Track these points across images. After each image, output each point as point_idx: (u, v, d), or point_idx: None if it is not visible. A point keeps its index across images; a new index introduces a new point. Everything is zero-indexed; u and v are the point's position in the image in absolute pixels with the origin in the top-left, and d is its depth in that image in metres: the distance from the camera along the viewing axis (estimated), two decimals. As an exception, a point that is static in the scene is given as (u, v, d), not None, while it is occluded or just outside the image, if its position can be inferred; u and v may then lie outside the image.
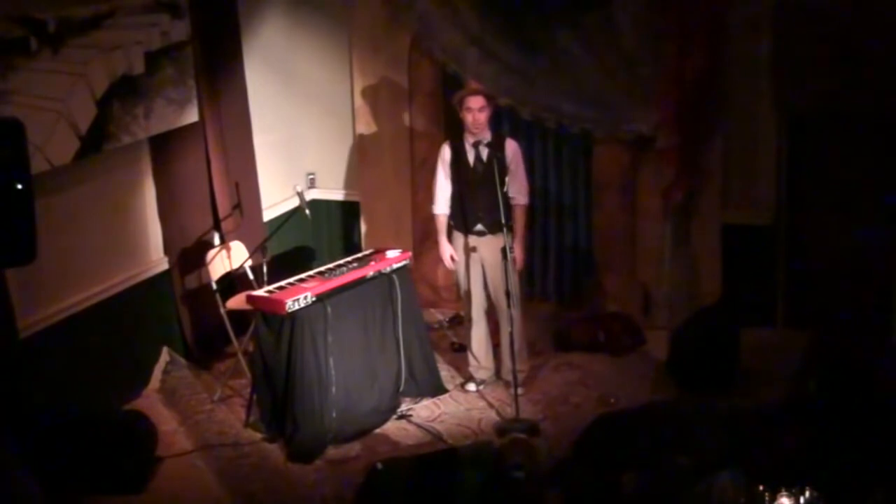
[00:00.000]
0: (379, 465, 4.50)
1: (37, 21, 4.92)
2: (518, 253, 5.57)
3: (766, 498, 3.77)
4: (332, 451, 5.21)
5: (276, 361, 5.19)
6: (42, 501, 4.29)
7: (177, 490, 4.96)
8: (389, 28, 6.76)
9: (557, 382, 5.91)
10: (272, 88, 6.97)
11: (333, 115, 7.20)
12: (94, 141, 5.32)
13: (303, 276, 5.42)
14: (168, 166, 6.04)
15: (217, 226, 6.37)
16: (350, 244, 7.36)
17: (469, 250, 5.63)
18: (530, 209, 5.78)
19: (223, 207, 6.37)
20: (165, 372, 6.12)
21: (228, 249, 6.13)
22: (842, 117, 5.88)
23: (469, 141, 5.56)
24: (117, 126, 5.46)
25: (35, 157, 4.58)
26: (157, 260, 6.08)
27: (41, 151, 4.93)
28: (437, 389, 5.81)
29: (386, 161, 7.04)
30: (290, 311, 5.07)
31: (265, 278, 5.68)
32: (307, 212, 5.85)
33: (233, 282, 6.19)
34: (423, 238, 6.94)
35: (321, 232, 7.48)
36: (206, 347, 6.30)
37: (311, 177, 7.45)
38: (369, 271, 5.50)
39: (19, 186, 3.40)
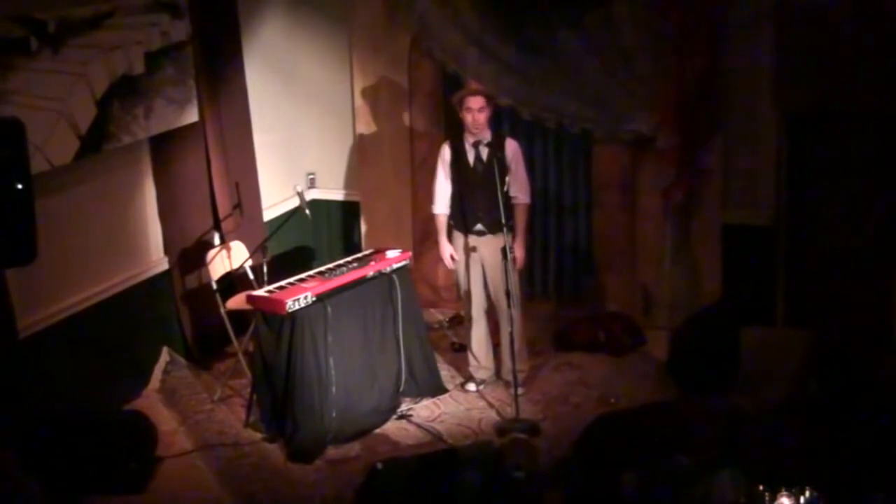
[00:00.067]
0: (379, 465, 4.51)
1: (37, 21, 4.92)
2: (519, 252, 5.57)
3: (766, 498, 3.77)
4: (332, 451, 5.21)
5: (276, 361, 5.19)
6: (42, 501, 4.29)
7: (177, 490, 4.96)
8: (389, 28, 6.76)
9: (557, 382, 5.91)
10: (272, 88, 6.97)
11: (333, 115, 7.20)
12: (94, 141, 5.33)
13: (303, 276, 5.42)
14: (168, 166, 6.04)
15: (217, 226, 6.37)
16: (350, 244, 7.36)
17: (469, 250, 5.63)
18: (531, 209, 5.78)
19: (223, 207, 6.37)
20: (165, 372, 6.12)
21: (228, 249, 6.13)
22: (842, 117, 5.88)
23: (469, 141, 5.56)
24: (117, 126, 5.46)
25: (35, 157, 4.57)
26: (157, 260, 6.08)
27: (41, 151, 4.93)
28: (437, 389, 5.81)
29: (386, 161, 7.04)
30: (290, 311, 5.07)
31: (265, 278, 5.68)
32: (307, 212, 5.85)
33: (233, 282, 6.19)
34: (423, 238, 6.94)
35: (321, 232, 7.49)
36: (206, 347, 6.30)
37: (312, 177, 7.45)
38: (369, 271, 5.50)
39: (19, 186, 3.41)
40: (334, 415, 5.22)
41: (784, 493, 3.74)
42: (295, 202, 5.94)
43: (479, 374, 5.85)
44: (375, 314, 5.50)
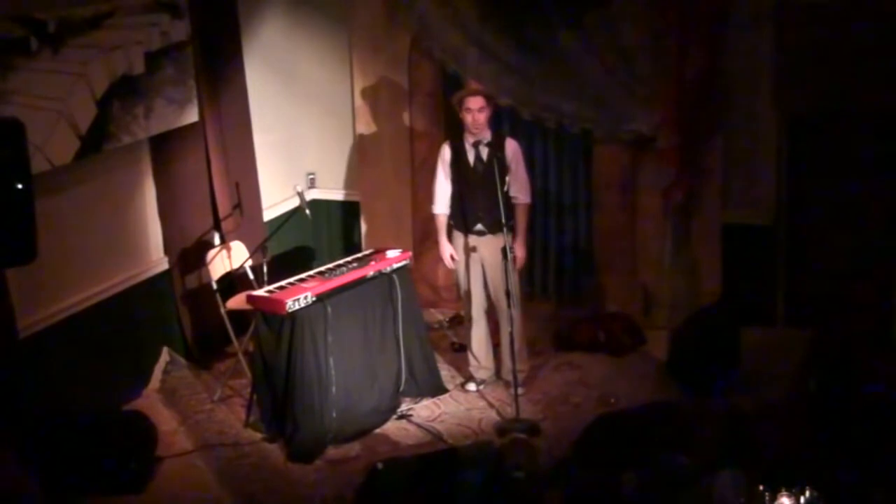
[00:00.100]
0: (379, 465, 4.50)
1: (37, 21, 4.92)
2: (520, 252, 5.57)
3: (767, 498, 3.77)
4: (332, 451, 5.21)
5: (276, 361, 5.19)
6: (42, 501, 4.29)
7: (177, 490, 4.96)
8: (389, 28, 6.77)
9: (557, 382, 5.91)
10: (272, 88, 6.97)
11: (333, 115, 7.20)
12: (95, 141, 5.33)
13: (303, 275, 5.42)
14: (168, 166, 6.04)
15: (217, 226, 6.37)
16: (350, 244, 7.37)
17: (469, 250, 5.63)
18: (531, 208, 5.78)
19: (223, 207, 6.37)
20: (165, 372, 6.12)
21: (228, 249, 6.13)
22: (842, 117, 5.88)
23: (469, 141, 5.56)
24: (117, 126, 5.46)
25: (35, 157, 4.57)
26: (158, 260, 6.08)
27: (41, 151, 4.93)
28: (438, 389, 5.81)
29: (386, 161, 7.04)
30: (290, 310, 5.07)
31: (265, 278, 5.68)
32: (307, 212, 5.85)
33: (233, 282, 6.19)
34: (423, 238, 6.94)
35: (321, 232, 7.49)
36: (206, 347, 6.30)
37: (312, 177, 7.45)
38: (369, 271, 5.50)
39: (19, 186, 3.41)
40: (334, 415, 5.22)
41: (784, 493, 3.74)
42: (295, 202, 5.94)
43: (480, 374, 5.85)
44: (375, 314, 5.50)
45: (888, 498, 3.98)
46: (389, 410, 5.56)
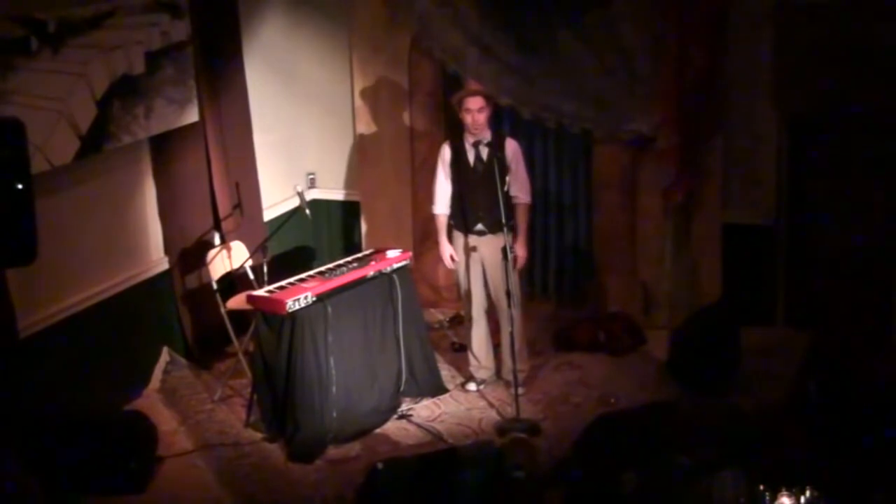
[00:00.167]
0: (379, 465, 4.50)
1: (37, 21, 4.92)
2: (521, 252, 5.57)
3: (767, 497, 3.77)
4: (333, 451, 5.21)
5: (276, 361, 5.19)
6: (42, 501, 4.29)
7: (177, 490, 4.96)
8: (389, 28, 6.77)
9: (558, 382, 5.91)
10: (272, 88, 6.97)
11: (333, 114, 7.20)
12: (95, 141, 5.33)
13: (303, 275, 5.42)
14: (168, 166, 6.04)
15: (217, 226, 6.37)
16: (350, 244, 7.37)
17: (469, 250, 5.63)
18: (531, 208, 5.78)
19: (223, 207, 6.37)
20: (166, 372, 6.12)
21: (229, 249, 6.13)
22: (842, 117, 5.88)
23: (469, 141, 5.56)
24: (117, 126, 5.46)
25: (35, 157, 4.58)
26: (158, 260, 6.08)
27: (41, 151, 4.93)
28: (438, 389, 5.81)
29: (386, 161, 7.04)
30: (290, 310, 5.07)
31: (265, 278, 5.68)
32: (307, 212, 5.85)
33: (233, 282, 6.20)
34: (423, 238, 6.94)
35: (321, 232, 7.49)
36: (206, 347, 6.30)
37: (312, 177, 7.45)
38: (369, 271, 5.50)
39: (19, 186, 3.41)
40: (335, 415, 5.22)
41: (784, 492, 3.74)
42: (295, 202, 5.94)
43: (480, 374, 5.85)
44: (376, 314, 5.50)
45: (888, 498, 3.98)
46: (390, 410, 5.56)
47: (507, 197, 5.45)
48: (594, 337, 6.26)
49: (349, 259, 5.65)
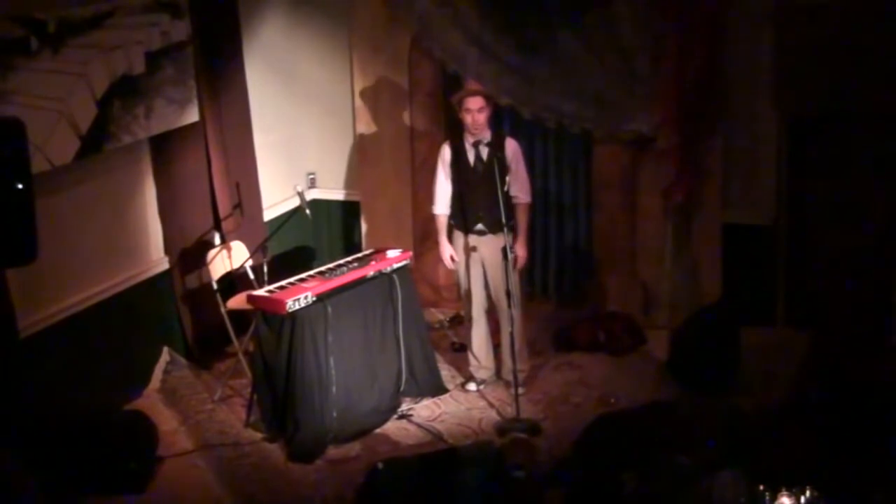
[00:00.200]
0: (379, 465, 4.51)
1: (37, 21, 4.93)
2: (521, 251, 5.57)
3: (767, 497, 3.77)
4: (333, 451, 5.21)
5: (276, 361, 5.20)
6: (42, 501, 4.29)
7: (177, 490, 4.96)
8: (389, 28, 6.77)
9: (558, 382, 5.91)
10: (272, 88, 6.97)
11: (334, 114, 7.20)
12: (95, 141, 5.33)
13: (303, 275, 5.42)
14: (168, 166, 6.04)
15: (217, 225, 6.37)
16: (350, 244, 7.37)
17: (469, 250, 5.63)
18: (531, 208, 5.78)
19: (224, 207, 6.37)
20: (166, 372, 6.12)
21: (229, 249, 6.13)
22: (842, 117, 5.88)
23: (469, 141, 5.56)
24: (118, 126, 5.46)
25: (35, 157, 4.58)
26: (158, 260, 6.09)
27: (42, 151, 4.93)
28: (438, 389, 5.81)
29: (386, 161, 7.04)
30: (290, 310, 5.07)
31: (266, 278, 5.68)
32: (307, 211, 5.85)
33: (233, 281, 6.20)
34: (423, 238, 6.95)
35: (321, 232, 7.49)
36: (206, 347, 6.30)
37: (312, 176, 7.46)
38: (370, 271, 5.50)
39: (20, 186, 3.41)
40: (335, 415, 5.22)
41: (784, 492, 3.74)
42: (295, 202, 5.94)
43: (480, 374, 5.85)
44: (376, 314, 5.50)
45: (888, 498, 3.98)
46: (390, 410, 5.56)
47: (507, 197, 5.45)
48: (594, 337, 6.26)
49: (349, 259, 5.65)
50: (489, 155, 5.53)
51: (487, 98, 5.55)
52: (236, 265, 6.10)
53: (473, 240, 5.62)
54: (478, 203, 5.57)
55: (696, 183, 6.25)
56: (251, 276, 6.09)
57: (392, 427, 5.47)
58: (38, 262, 3.59)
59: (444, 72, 6.70)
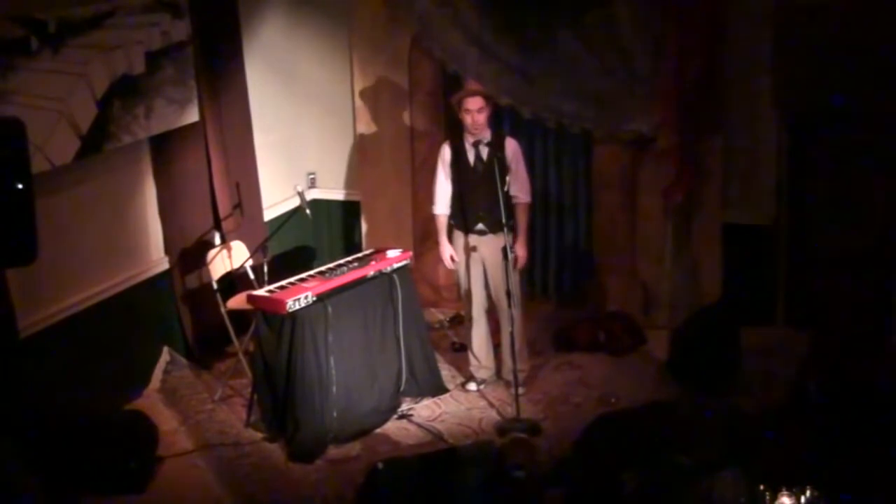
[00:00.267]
0: (380, 465, 4.51)
1: (37, 21, 4.93)
2: (521, 251, 5.57)
3: (767, 497, 3.77)
4: (333, 451, 5.21)
5: (276, 361, 5.20)
6: (42, 501, 4.29)
7: (177, 490, 4.96)
8: (389, 28, 6.77)
9: (558, 382, 5.91)
10: (272, 88, 6.98)
11: (334, 114, 7.20)
12: (95, 141, 5.33)
13: (303, 275, 5.42)
14: (169, 166, 6.04)
15: (218, 225, 6.37)
16: (350, 244, 7.37)
17: (470, 250, 5.63)
18: (531, 208, 5.78)
19: (224, 207, 6.37)
20: (166, 372, 6.12)
21: (229, 249, 6.13)
22: (842, 117, 5.88)
23: (469, 141, 5.56)
24: (118, 126, 5.47)
25: (36, 157, 4.58)
26: (158, 260, 6.09)
27: (42, 151, 4.94)
28: (438, 389, 5.81)
29: (386, 161, 7.04)
30: (290, 310, 5.07)
31: (266, 278, 5.68)
32: (308, 211, 5.85)
33: (233, 281, 6.20)
34: (423, 238, 6.95)
35: (322, 232, 7.49)
36: (206, 347, 6.30)
37: (312, 176, 7.46)
38: (370, 271, 5.50)
39: (20, 186, 3.41)
40: (335, 414, 5.22)
41: (784, 492, 3.74)
42: (295, 202, 5.94)
43: (480, 374, 5.85)
44: (376, 314, 5.51)
45: (888, 498, 3.98)
46: (390, 410, 5.56)
47: (508, 197, 5.45)
48: (594, 337, 6.26)
49: (349, 259, 5.65)
50: (489, 155, 5.53)
51: (487, 98, 5.55)
52: (236, 265, 6.10)
53: (473, 240, 5.62)
54: (478, 203, 5.57)
55: (696, 183, 6.25)
56: (251, 275, 6.09)
57: (392, 427, 5.47)
58: (38, 262, 3.59)
59: (444, 72, 6.70)
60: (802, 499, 3.73)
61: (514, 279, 5.46)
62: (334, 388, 5.20)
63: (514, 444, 5.07)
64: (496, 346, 5.86)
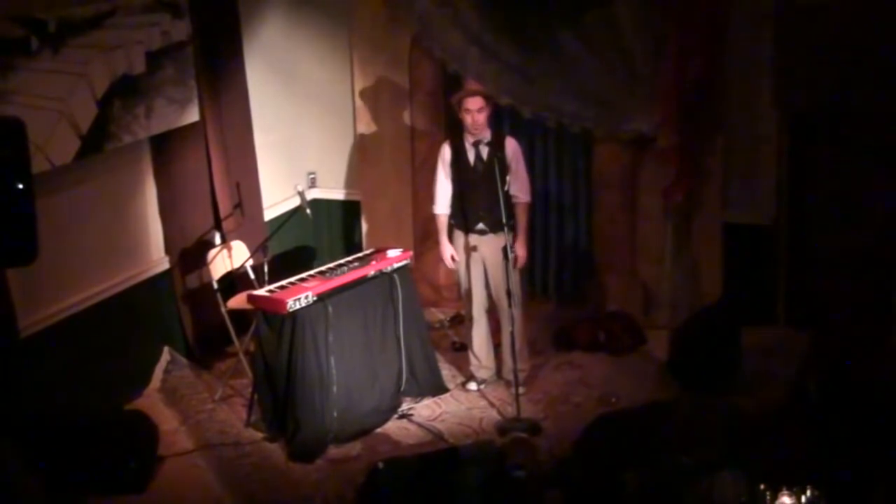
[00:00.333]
0: (380, 465, 4.51)
1: (37, 21, 4.93)
2: (521, 251, 5.57)
3: (768, 497, 3.77)
4: (334, 451, 5.22)
5: (277, 361, 5.20)
6: (42, 501, 4.29)
7: (178, 490, 4.96)
8: (389, 28, 6.77)
9: (558, 382, 5.91)
10: (273, 88, 6.98)
11: (334, 114, 7.21)
12: (95, 140, 5.33)
13: (304, 275, 5.42)
14: (169, 166, 6.04)
15: (218, 225, 6.37)
16: (351, 244, 7.37)
17: (470, 249, 5.63)
18: (531, 207, 5.78)
19: (224, 207, 6.38)
20: (166, 371, 6.13)
21: (229, 249, 6.13)
22: (842, 117, 5.88)
23: (469, 140, 5.56)
24: (118, 125, 5.47)
25: (36, 157, 4.58)
26: (158, 259, 6.09)
27: (42, 151, 4.94)
28: (438, 389, 5.81)
29: (386, 160, 7.04)
30: (291, 310, 5.07)
31: (266, 278, 5.69)
32: (308, 211, 5.86)
33: (234, 281, 6.20)
34: (423, 237, 6.95)
35: (322, 231, 7.49)
36: (207, 347, 6.31)
37: (312, 176, 7.46)
38: (370, 271, 5.50)
39: (20, 186, 3.41)
40: (335, 414, 5.22)
41: (784, 492, 3.74)
42: (296, 202, 5.94)
43: (480, 374, 5.85)
44: (376, 314, 5.51)
45: (888, 498, 3.98)
46: (390, 410, 5.56)
47: (508, 196, 5.46)
48: (594, 337, 6.27)
49: (350, 258, 5.66)
50: (489, 154, 5.53)
51: (487, 98, 5.55)
52: (237, 265, 6.11)
53: (474, 239, 5.62)
54: (478, 203, 5.57)
55: (696, 183, 6.25)
56: (252, 275, 6.10)
57: (393, 427, 5.48)
58: (38, 262, 3.59)
59: (444, 71, 6.70)
60: (802, 498, 3.73)
61: (515, 279, 5.46)
62: (335, 388, 5.20)
63: (514, 444, 5.08)
64: (496, 346, 5.86)
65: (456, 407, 5.69)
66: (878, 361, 5.15)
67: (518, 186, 5.59)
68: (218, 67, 6.24)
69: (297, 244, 7.17)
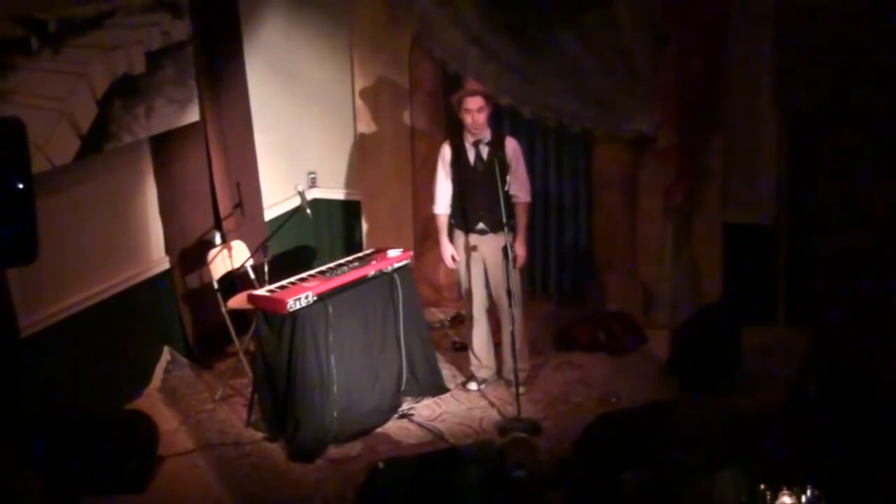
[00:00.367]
0: (380, 465, 4.51)
1: (37, 21, 4.93)
2: (520, 251, 5.57)
3: (768, 497, 3.77)
4: (334, 451, 5.22)
5: (277, 361, 5.20)
6: (42, 501, 4.29)
7: (178, 490, 4.96)
8: (389, 28, 6.77)
9: (558, 382, 5.91)
10: (273, 88, 6.98)
11: (334, 114, 7.21)
12: (95, 140, 5.33)
13: (304, 275, 5.42)
14: (169, 166, 6.04)
15: (218, 225, 6.37)
16: (351, 243, 7.37)
17: (470, 249, 5.63)
18: (531, 207, 5.78)
19: (224, 207, 6.38)
20: (167, 371, 6.13)
21: (230, 249, 6.13)
22: (842, 117, 5.88)
23: (469, 140, 5.56)
24: (118, 125, 5.47)
25: (36, 157, 4.58)
26: (159, 259, 6.09)
27: (42, 151, 4.94)
28: (439, 388, 5.81)
29: (387, 160, 7.04)
30: (291, 310, 5.07)
31: (266, 277, 5.69)
32: (308, 211, 5.86)
33: (234, 281, 6.20)
34: (424, 237, 6.95)
35: (322, 231, 7.49)
36: (207, 347, 6.31)
37: (312, 176, 7.46)
38: (370, 270, 5.51)
39: (20, 186, 3.41)
40: (335, 414, 5.22)
41: (784, 492, 3.74)
42: (296, 201, 5.94)
43: (481, 374, 5.85)
44: (377, 313, 5.51)
45: (888, 498, 3.98)
46: (390, 410, 5.56)
47: (508, 196, 5.46)
48: (594, 336, 6.27)
49: (350, 258, 5.66)
50: (489, 154, 5.53)
51: (487, 98, 5.54)
52: (237, 265, 6.11)
53: (474, 239, 5.62)
54: (478, 202, 5.57)
55: (696, 183, 6.25)
56: (252, 275, 6.10)
57: (393, 426, 5.48)
58: (39, 262, 3.58)
59: (444, 71, 6.70)
60: (803, 498, 3.73)
61: (515, 278, 5.46)
62: (335, 388, 5.20)
63: (514, 444, 5.08)
64: (497, 346, 5.86)
65: (456, 407, 5.69)
66: (878, 361, 5.15)
67: (518, 186, 5.59)
68: (218, 67, 6.24)
69: (297, 244, 7.17)
